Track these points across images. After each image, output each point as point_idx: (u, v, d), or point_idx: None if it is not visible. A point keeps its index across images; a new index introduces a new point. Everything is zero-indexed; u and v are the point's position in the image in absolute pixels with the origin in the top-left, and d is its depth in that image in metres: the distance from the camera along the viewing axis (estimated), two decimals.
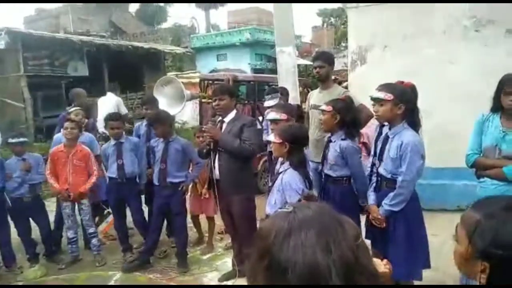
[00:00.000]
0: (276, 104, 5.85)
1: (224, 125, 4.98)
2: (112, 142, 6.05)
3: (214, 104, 4.98)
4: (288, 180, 3.60)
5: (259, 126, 6.67)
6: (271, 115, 4.58)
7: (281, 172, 3.73)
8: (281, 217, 1.16)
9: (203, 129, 5.11)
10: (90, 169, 6.03)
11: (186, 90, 7.33)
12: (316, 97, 5.59)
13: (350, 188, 4.36)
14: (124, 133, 6.09)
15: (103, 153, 6.19)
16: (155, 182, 5.72)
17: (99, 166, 6.28)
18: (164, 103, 7.20)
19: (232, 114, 5.02)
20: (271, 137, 3.80)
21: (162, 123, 5.61)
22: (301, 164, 3.67)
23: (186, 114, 15.77)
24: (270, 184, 4.07)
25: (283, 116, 4.45)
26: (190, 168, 6.09)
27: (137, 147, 6.10)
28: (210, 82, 9.74)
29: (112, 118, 6.00)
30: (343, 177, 4.34)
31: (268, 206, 3.82)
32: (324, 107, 4.38)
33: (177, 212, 5.73)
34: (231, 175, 4.90)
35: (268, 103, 6.79)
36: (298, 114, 5.51)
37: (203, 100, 9.50)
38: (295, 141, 3.71)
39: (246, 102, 9.72)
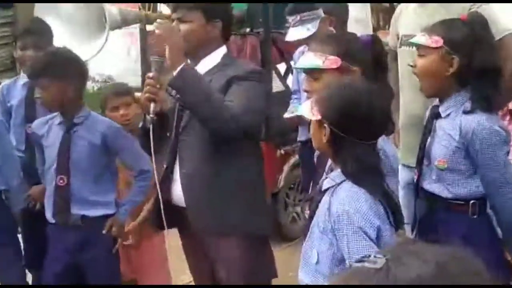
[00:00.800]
0: (313, 36, 3.66)
1: None
2: None
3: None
4: (344, 208, 2.09)
5: (277, 86, 4.33)
6: (304, 59, 2.61)
7: (325, 190, 2.16)
8: (362, 280, 0.79)
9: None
10: None
11: (108, 5, 4.67)
12: (411, 18, 3.43)
13: (483, 222, 2.74)
14: None
15: None
16: (48, 215, 3.23)
17: None
18: (63, 35, 4.34)
19: (213, 57, 2.87)
20: (303, 109, 2.20)
21: (60, 80, 3.11)
22: (372, 173, 2.12)
23: (113, 60, 8.42)
24: (305, 215, 2.66)
25: (330, 61, 2.44)
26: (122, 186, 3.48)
27: None
28: None
29: None
30: (467, 199, 2.69)
31: (304, 268, 2.25)
32: (422, 39, 2.78)
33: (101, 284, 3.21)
34: (211, 190, 2.80)
35: (293, 33, 3.93)
36: (375, 58, 2.79)
37: (148, 28, 5.96)
38: (352, 123, 2.11)
39: (247, 32, 5.65)
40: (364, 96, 2.21)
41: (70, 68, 3.22)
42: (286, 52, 5.38)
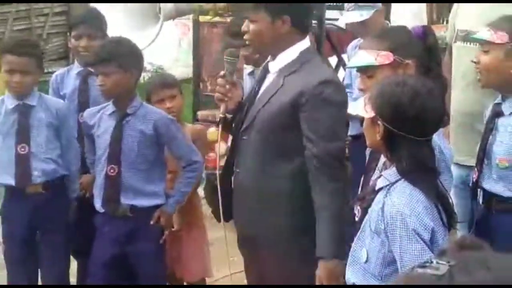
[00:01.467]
0: (366, 23, 3.77)
1: (269, 79, 2.74)
2: (8, 102, 3.44)
3: (243, 32, 2.75)
4: (398, 209, 2.07)
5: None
6: (356, 57, 2.62)
7: (379, 190, 2.15)
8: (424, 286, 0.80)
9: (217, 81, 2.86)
10: None
11: None
12: (468, 14, 3.37)
13: None
14: (33, 86, 3.46)
15: None
16: (97, 205, 3.24)
17: None
18: (119, 24, 4.74)
19: (289, 53, 2.67)
20: (357, 106, 2.25)
21: (123, 69, 3.13)
22: (427, 172, 2.15)
23: (163, 50, 8.89)
24: (356, 212, 2.39)
25: (382, 57, 2.42)
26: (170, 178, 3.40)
27: (60, 121, 3.49)
28: None
29: (16, 47, 3.37)
30: None
31: (351, 267, 2.24)
32: (486, 34, 2.78)
33: (148, 276, 3.26)
34: (259, 194, 2.67)
35: (347, 17, 4.01)
36: (428, 50, 2.67)
37: (201, 19, 6.04)
38: (405, 120, 2.11)
39: None
40: (418, 92, 2.16)
41: (132, 57, 3.25)
42: (338, 45, 5.43)
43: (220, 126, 2.74)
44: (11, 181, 3.30)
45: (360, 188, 2.59)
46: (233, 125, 2.82)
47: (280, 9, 2.74)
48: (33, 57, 3.24)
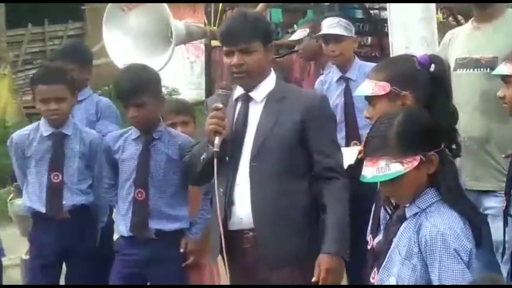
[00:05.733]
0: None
1: (252, 106, 2.88)
2: (43, 129, 3.48)
3: (229, 61, 2.84)
4: (439, 229, 2.11)
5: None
6: (360, 86, 2.64)
7: (406, 219, 2.22)
8: None
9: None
10: None
11: (174, 20, 5.06)
12: (465, 40, 3.45)
13: None
14: (69, 112, 3.54)
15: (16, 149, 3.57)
16: (122, 229, 3.30)
17: None
18: (131, 48, 4.94)
19: (268, 83, 2.90)
20: (396, 167, 2.11)
21: (155, 97, 3.22)
22: (462, 194, 2.27)
23: (176, 73, 9.13)
24: (372, 240, 2.53)
25: (379, 87, 2.46)
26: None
27: (93, 152, 3.58)
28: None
29: (46, 76, 3.44)
30: None
31: None
32: (504, 68, 2.82)
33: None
34: (284, 218, 2.77)
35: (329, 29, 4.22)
36: (433, 79, 2.63)
37: (213, 43, 6.17)
38: (434, 141, 2.18)
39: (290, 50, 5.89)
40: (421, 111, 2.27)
41: (159, 84, 3.32)
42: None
43: (215, 160, 2.72)
44: (42, 209, 3.35)
45: (371, 218, 2.66)
46: (227, 157, 2.83)
47: (270, 38, 2.90)
48: (64, 83, 3.28)
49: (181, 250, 3.27)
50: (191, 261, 3.32)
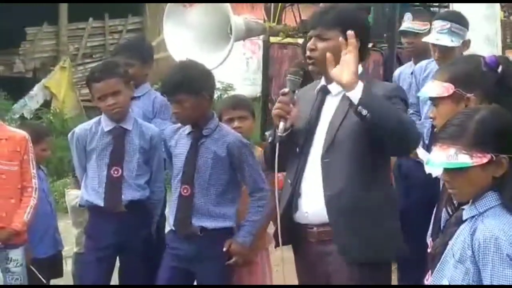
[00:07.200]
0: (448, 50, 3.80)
1: (328, 99, 2.80)
2: (104, 123, 3.52)
3: (308, 47, 2.77)
4: (493, 233, 2.06)
5: None
6: (425, 86, 2.66)
7: (463, 221, 2.18)
8: None
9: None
10: (26, 181, 3.61)
11: (234, 16, 4.96)
12: None
13: None
14: (128, 107, 3.58)
15: (78, 143, 3.58)
16: (171, 222, 3.31)
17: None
18: (191, 44, 4.92)
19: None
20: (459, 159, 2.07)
21: (196, 95, 3.18)
22: None
23: (232, 68, 8.99)
24: (432, 243, 2.45)
25: (443, 89, 2.41)
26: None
27: (152, 147, 3.59)
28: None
29: (98, 74, 3.45)
30: None
31: None
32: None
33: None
34: (360, 213, 2.72)
35: (437, 37, 3.94)
36: (500, 81, 2.51)
37: (271, 40, 6.10)
38: (509, 145, 2.09)
39: (370, 47, 5.35)
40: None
41: (201, 80, 3.28)
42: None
43: (277, 144, 2.69)
44: (100, 202, 3.38)
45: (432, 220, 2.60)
46: (297, 148, 2.79)
47: (353, 29, 2.73)
48: (116, 76, 3.29)
49: (224, 249, 3.22)
50: (232, 261, 3.28)
